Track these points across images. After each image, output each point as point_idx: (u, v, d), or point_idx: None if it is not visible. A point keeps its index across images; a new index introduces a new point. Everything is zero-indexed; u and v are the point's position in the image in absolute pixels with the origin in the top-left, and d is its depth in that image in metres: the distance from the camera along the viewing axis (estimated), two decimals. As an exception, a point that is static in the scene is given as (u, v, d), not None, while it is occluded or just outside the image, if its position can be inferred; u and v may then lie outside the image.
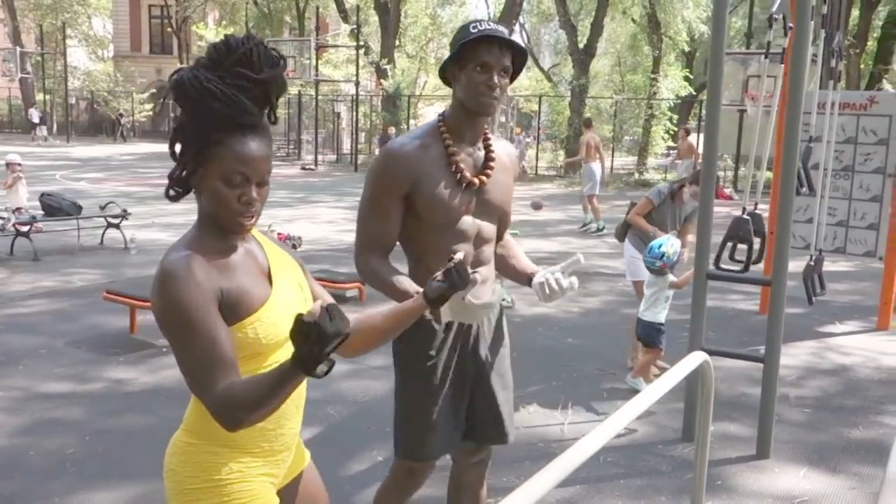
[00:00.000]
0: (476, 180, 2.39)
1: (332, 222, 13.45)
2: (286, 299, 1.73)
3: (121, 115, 41.68)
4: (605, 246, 11.48)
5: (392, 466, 2.61)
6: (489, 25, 2.30)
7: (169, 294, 1.56)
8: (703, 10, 26.57)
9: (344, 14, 32.20)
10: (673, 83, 27.67)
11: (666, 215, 5.52)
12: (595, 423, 4.48)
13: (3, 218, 9.20)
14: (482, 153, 2.45)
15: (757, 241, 4.31)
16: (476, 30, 2.28)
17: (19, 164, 10.88)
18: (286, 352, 1.70)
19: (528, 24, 41.74)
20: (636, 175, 25.39)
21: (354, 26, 27.79)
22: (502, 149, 2.52)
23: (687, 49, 29.65)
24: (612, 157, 28.41)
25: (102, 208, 10.33)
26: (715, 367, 5.46)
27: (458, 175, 2.36)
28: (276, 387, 1.47)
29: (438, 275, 1.82)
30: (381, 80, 28.56)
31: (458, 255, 1.84)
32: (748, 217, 4.64)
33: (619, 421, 2.09)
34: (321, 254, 10.02)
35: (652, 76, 27.27)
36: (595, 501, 3.61)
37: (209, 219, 1.69)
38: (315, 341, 1.36)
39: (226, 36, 1.65)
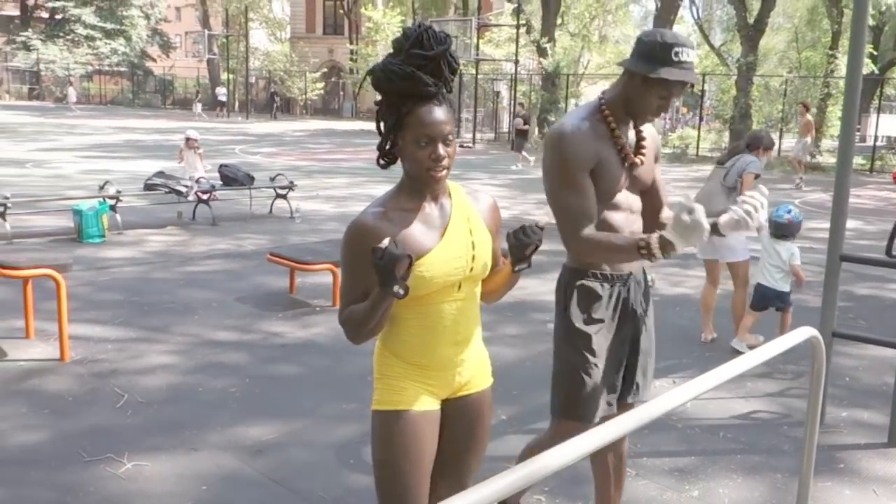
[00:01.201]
0: (637, 160, 2.57)
1: (485, 199, 13.75)
2: (448, 255, 2.05)
3: (274, 94, 43.79)
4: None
5: (551, 425, 2.73)
6: (688, 57, 2.39)
7: (344, 239, 2.05)
8: (891, -20, 24.54)
9: (507, -7, 32.33)
10: (855, 60, 25.79)
11: None
12: (718, 399, 4.53)
13: (187, 187, 10.18)
14: (633, 133, 2.62)
15: None
16: (678, 60, 2.36)
17: (197, 140, 11.94)
18: (446, 299, 2.08)
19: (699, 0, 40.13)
20: (808, 158, 23.99)
21: (516, 5, 27.88)
22: (648, 130, 2.67)
23: (872, 23, 27.51)
24: (781, 138, 26.98)
25: (272, 180, 11.15)
26: (858, 356, 5.36)
27: (623, 154, 2.53)
28: (369, 309, 1.95)
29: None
30: (541, 59, 28.51)
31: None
32: None
33: (701, 385, 2.20)
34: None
35: (830, 52, 25.56)
36: (709, 473, 3.69)
37: (408, 180, 2.06)
38: (387, 261, 1.82)
39: (403, 28, 2.08)
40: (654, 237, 2.32)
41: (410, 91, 1.95)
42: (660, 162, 2.78)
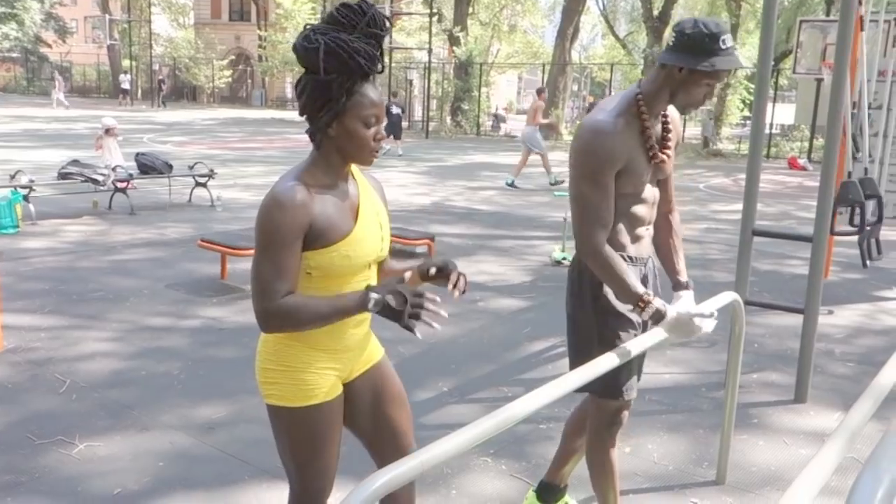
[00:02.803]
0: (663, 157, 2.57)
1: (404, 186, 13.94)
2: (365, 236, 2.06)
3: (161, 81, 42.05)
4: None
5: (595, 408, 2.75)
6: (732, 43, 2.37)
7: (268, 215, 1.91)
8: (784, -24, 25.88)
9: (418, -19, 32.44)
10: (751, 51, 27.17)
11: None
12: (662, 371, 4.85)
13: (103, 175, 9.96)
14: (660, 127, 2.59)
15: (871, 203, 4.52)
16: (726, 48, 2.33)
17: (116, 127, 11.68)
18: (358, 279, 2.07)
19: (603, -9, 41.17)
20: (709, 145, 25.11)
21: (429, -6, 28.04)
22: (673, 118, 2.65)
23: (766, 16, 28.91)
24: (684, 127, 28.10)
25: (191, 168, 11.01)
26: (764, 324, 5.81)
27: (652, 152, 2.53)
28: (335, 311, 1.94)
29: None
30: (454, 48, 28.79)
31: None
32: (857, 181, 4.85)
33: (639, 344, 2.45)
34: (394, 214, 10.46)
35: (729, 44, 26.78)
36: (638, 431, 3.99)
37: (324, 158, 2.01)
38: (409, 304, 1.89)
39: (346, 3, 1.95)
40: (658, 308, 2.42)
41: (363, 70, 1.91)
42: (678, 147, 2.76)
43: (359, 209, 2.08)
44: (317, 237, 1.96)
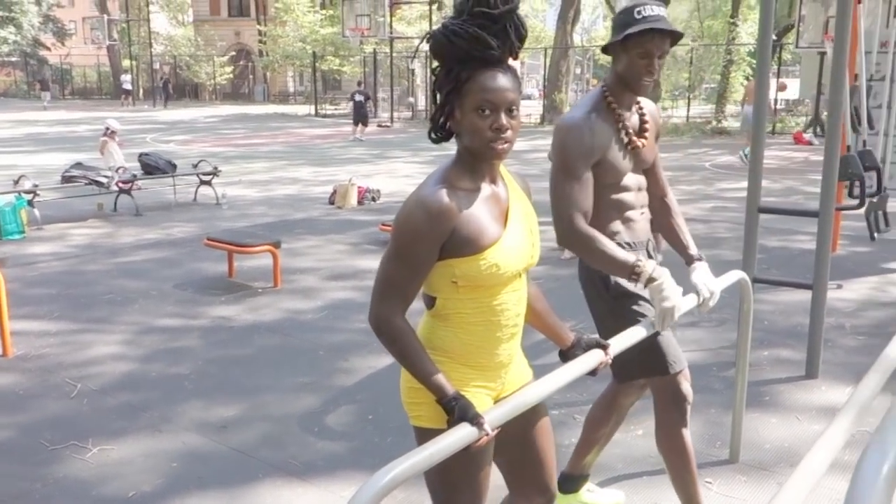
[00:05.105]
0: (640, 143, 2.63)
1: (409, 176, 13.92)
2: (514, 243, 1.88)
3: (166, 82, 42.18)
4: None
5: (656, 396, 2.75)
6: (652, 11, 2.43)
7: (408, 219, 1.80)
8: (784, -51, 25.66)
9: (416, -30, 32.27)
10: (753, 27, 26.92)
11: None
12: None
13: (107, 177, 9.97)
14: (636, 117, 2.67)
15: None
16: (640, 17, 2.42)
17: (118, 131, 11.73)
18: (508, 290, 1.91)
19: (601, -28, 40.88)
20: (713, 123, 24.98)
21: (426, -19, 27.91)
22: (649, 109, 2.72)
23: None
24: (689, 105, 27.99)
25: (195, 166, 11.01)
26: (773, 301, 5.78)
27: (628, 140, 2.60)
28: (418, 374, 1.81)
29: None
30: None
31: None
32: (856, 154, 4.82)
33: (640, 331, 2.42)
34: (398, 205, 10.50)
35: (731, 21, 26.58)
36: (649, 414, 3.91)
37: (466, 157, 1.85)
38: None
39: None
40: (651, 272, 2.37)
41: (472, 54, 1.75)
42: (659, 140, 2.82)
43: (508, 213, 1.90)
44: (462, 244, 1.81)
